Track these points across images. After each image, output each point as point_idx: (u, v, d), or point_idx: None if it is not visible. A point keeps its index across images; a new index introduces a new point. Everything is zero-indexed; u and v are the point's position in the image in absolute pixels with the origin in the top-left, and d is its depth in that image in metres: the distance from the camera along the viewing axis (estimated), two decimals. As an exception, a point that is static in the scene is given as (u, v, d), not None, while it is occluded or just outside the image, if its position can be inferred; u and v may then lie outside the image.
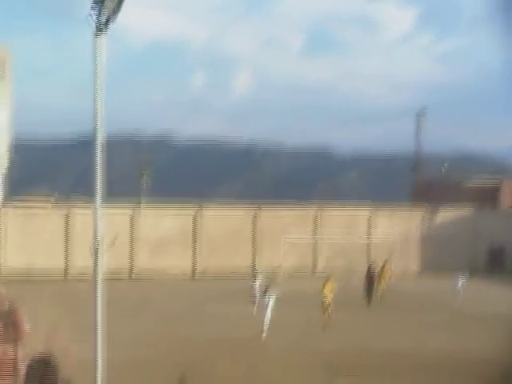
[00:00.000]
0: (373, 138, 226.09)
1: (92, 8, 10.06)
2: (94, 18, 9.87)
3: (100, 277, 10.68)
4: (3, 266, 40.94)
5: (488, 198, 58.94)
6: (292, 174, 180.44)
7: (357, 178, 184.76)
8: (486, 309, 31.42)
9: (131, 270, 43.11)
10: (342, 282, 32.07)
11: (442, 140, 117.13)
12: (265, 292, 26.32)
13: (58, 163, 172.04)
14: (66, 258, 41.56)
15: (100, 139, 10.35)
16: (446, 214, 49.39)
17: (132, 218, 43.81)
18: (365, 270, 35.66)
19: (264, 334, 25.02)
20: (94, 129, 10.31)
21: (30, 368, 4.64)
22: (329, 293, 28.11)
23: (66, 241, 41.78)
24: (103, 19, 9.89)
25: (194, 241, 44.62)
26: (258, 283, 29.01)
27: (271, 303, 25.43)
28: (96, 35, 10.17)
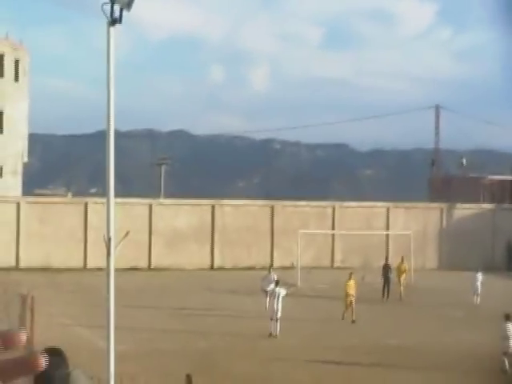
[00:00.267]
0: (391, 134, 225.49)
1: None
2: (108, 8, 9.79)
3: (112, 268, 10.62)
4: (22, 258, 41.20)
5: (507, 193, 58.47)
6: (310, 168, 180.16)
7: (375, 173, 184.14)
8: (505, 305, 31.12)
9: (149, 262, 43.20)
10: (359, 278, 31.99)
11: (461, 135, 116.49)
12: (276, 285, 26.27)
13: (77, 156, 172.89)
14: (85, 249, 41.74)
15: (112, 131, 10.26)
16: (465, 210, 49.03)
17: (150, 212, 43.89)
18: (381, 265, 35.53)
19: (274, 328, 24.99)
20: (107, 121, 10.24)
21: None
22: (352, 288, 28.26)
23: (84, 233, 41.95)
24: (117, 10, 9.81)
25: (211, 235, 44.62)
26: (272, 277, 28.92)
27: (282, 296, 25.41)
28: (109, 26, 10.09)
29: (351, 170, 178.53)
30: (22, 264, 40.91)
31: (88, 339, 21.68)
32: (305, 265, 38.80)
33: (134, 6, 10.07)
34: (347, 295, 28.17)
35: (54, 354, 5.98)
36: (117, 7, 10.03)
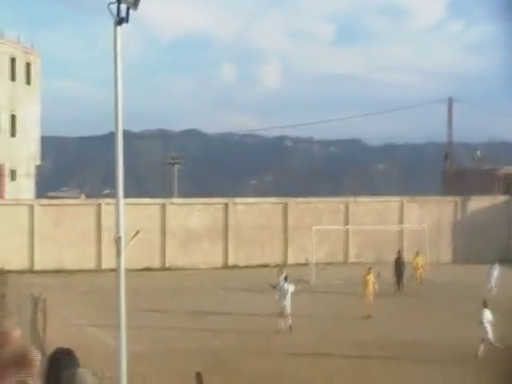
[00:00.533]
0: (404, 128, 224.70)
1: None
2: (115, 7, 9.77)
3: (122, 269, 10.61)
4: (36, 261, 41.35)
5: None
6: (322, 165, 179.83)
7: (388, 167, 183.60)
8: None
9: (163, 262, 43.23)
10: (375, 274, 31.85)
11: (474, 128, 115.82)
12: (285, 281, 26.22)
13: (90, 158, 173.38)
14: (99, 250, 41.81)
15: (119, 131, 10.25)
16: (479, 203, 48.72)
17: (163, 212, 43.92)
18: (395, 259, 35.42)
19: (283, 324, 25.00)
20: (115, 120, 10.23)
21: (52, 362, 4.53)
22: (371, 283, 28.20)
23: (97, 235, 42.02)
24: (123, 9, 9.79)
25: (224, 233, 44.59)
26: (283, 275, 28.89)
27: (291, 292, 25.45)
28: (116, 25, 10.07)
29: (364, 165, 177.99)
30: (36, 267, 41.05)
31: (102, 340, 21.71)
32: (319, 261, 38.71)
33: (144, 6, 10.05)
34: (368, 290, 28.03)
35: (64, 354, 5.96)
36: (124, 6, 10.01)
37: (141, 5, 10.12)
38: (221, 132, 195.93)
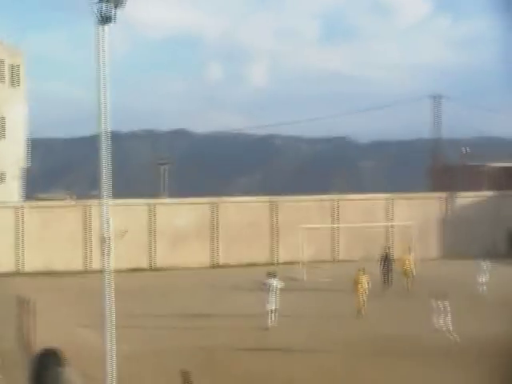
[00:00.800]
0: (391, 124, 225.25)
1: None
2: (99, 8, 9.79)
3: (108, 270, 10.65)
4: (25, 263, 41.24)
5: (508, 182, 58.32)
6: (310, 163, 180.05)
7: (375, 164, 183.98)
8: (510, 293, 31.04)
9: (151, 262, 43.20)
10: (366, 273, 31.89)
11: (461, 125, 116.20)
12: (273, 277, 26.31)
13: (78, 159, 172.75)
14: (85, 253, 41.75)
15: (104, 132, 10.27)
16: (466, 199, 48.96)
17: (151, 211, 43.90)
18: (381, 256, 35.49)
19: (270, 320, 25.12)
20: (99, 121, 10.25)
21: (37, 362, 4.56)
22: (364, 282, 28.15)
23: (85, 236, 41.96)
24: (107, 10, 9.80)
25: (213, 232, 44.61)
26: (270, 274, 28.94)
27: (278, 288, 25.62)
28: (100, 25, 10.09)
29: (352, 162, 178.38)
30: (25, 269, 40.96)
31: (90, 340, 21.70)
32: (308, 259, 38.81)
33: (131, 6, 10.07)
34: (359, 286, 28.00)
35: (50, 354, 6.02)
36: (109, 6, 10.02)
37: (128, 4, 10.14)
38: (209, 131, 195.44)
